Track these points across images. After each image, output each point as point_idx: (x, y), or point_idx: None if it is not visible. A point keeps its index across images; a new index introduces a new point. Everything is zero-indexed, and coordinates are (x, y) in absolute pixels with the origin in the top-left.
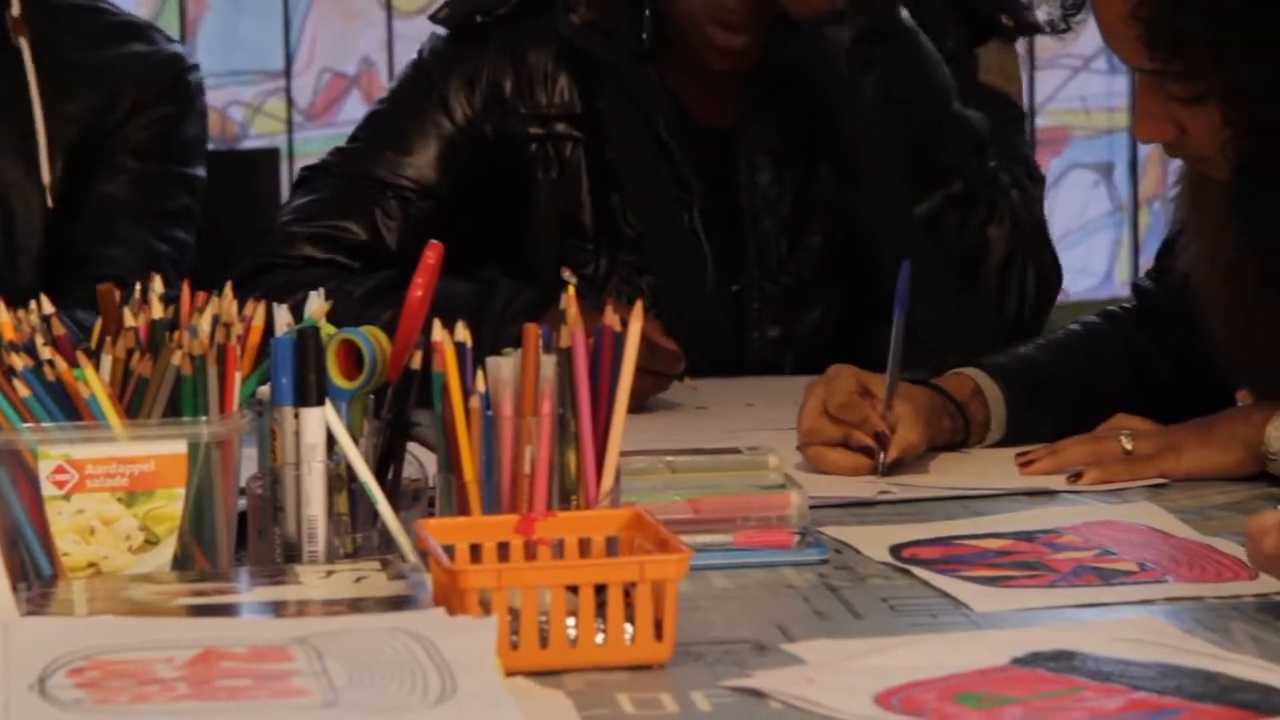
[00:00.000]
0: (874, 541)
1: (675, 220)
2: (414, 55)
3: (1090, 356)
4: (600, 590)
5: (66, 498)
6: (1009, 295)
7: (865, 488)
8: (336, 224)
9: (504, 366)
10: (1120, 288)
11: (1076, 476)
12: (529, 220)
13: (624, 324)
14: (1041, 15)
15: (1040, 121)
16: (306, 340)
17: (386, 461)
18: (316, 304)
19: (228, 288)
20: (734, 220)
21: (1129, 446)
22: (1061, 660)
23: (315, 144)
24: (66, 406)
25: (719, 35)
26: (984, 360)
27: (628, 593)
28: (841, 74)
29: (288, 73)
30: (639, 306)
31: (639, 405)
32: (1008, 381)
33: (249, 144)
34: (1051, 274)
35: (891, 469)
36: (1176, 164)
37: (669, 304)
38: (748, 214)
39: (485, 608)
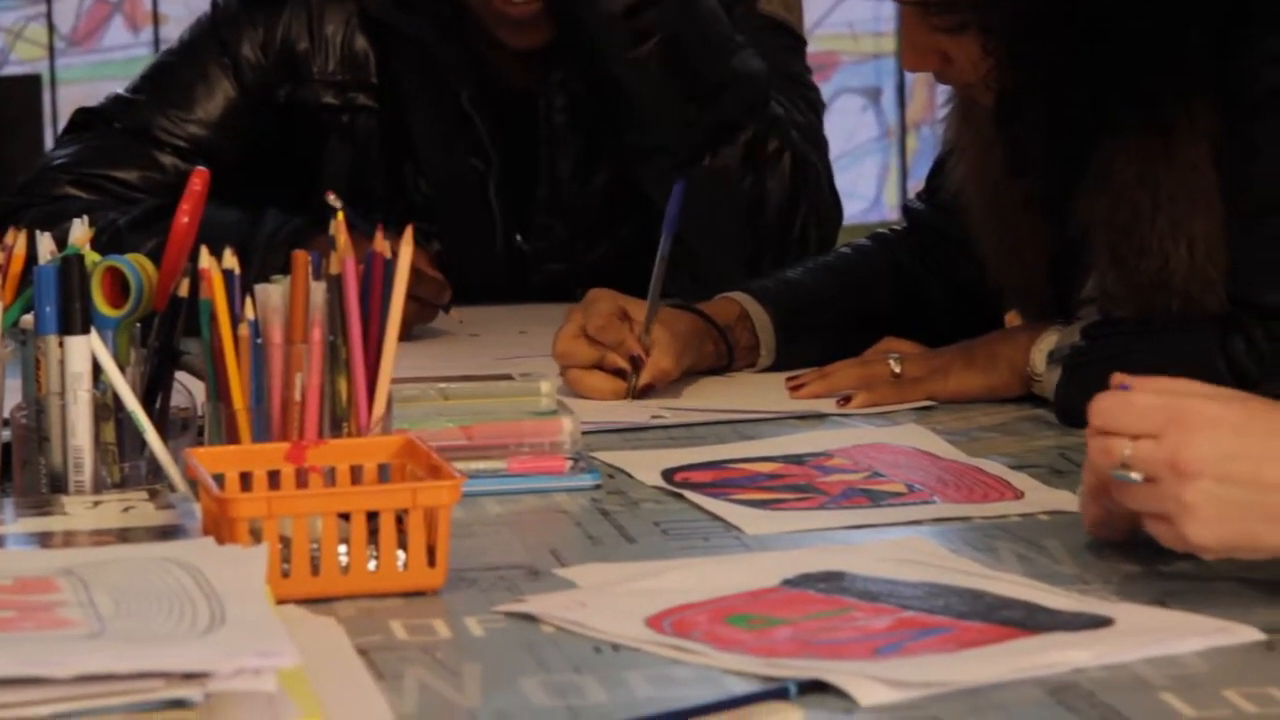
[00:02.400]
0: (646, 466)
1: (467, 184)
2: (207, 7)
3: (859, 280)
4: (372, 517)
5: None
6: (791, 238)
7: (638, 412)
8: (107, 173)
9: (273, 293)
10: (889, 211)
11: (846, 400)
12: (316, 186)
13: (394, 251)
14: None
15: (809, 47)
16: (71, 267)
17: (154, 390)
18: (80, 232)
19: None
20: (529, 172)
21: (897, 369)
22: (831, 581)
23: (78, 70)
24: None
25: (503, 6)
26: (751, 285)
27: (400, 520)
28: (618, 42)
29: None
30: (409, 233)
31: (405, 333)
32: (776, 306)
33: (10, 70)
34: (833, 215)
35: (646, 393)
36: (945, 87)
37: (457, 263)
38: (544, 160)
39: (256, 536)
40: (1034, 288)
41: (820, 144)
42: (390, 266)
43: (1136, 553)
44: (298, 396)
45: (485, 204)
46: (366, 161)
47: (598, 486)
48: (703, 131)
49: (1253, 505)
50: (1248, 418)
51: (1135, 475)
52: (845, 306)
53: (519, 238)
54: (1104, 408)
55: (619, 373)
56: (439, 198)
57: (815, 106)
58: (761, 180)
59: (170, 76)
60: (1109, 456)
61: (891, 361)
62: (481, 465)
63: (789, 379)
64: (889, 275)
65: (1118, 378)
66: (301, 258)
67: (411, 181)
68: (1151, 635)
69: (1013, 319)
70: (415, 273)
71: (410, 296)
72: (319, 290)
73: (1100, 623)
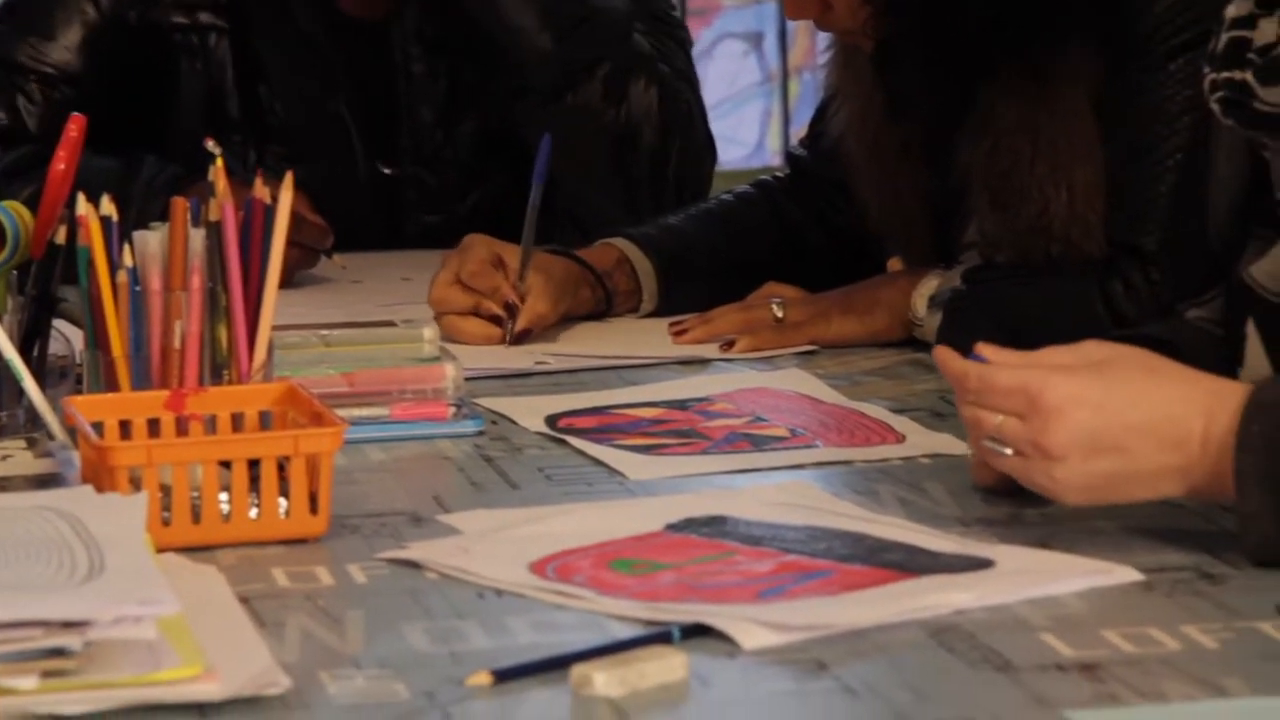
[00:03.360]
0: (530, 412)
1: (323, 111)
2: None
3: (742, 226)
4: (254, 465)
5: None
6: (666, 179)
7: (521, 359)
8: None
9: (151, 240)
10: (772, 157)
11: (729, 345)
12: (174, 110)
13: (274, 197)
14: None
15: None
16: None
17: (32, 338)
18: None
19: None
20: (389, 110)
21: (779, 314)
22: (714, 525)
23: None
24: None
25: None
26: (631, 231)
27: (282, 467)
28: None
29: None
30: (289, 178)
31: (287, 280)
32: (657, 252)
33: None
34: (707, 155)
35: (523, 338)
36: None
37: (321, 194)
38: (403, 104)
39: (135, 484)
40: (915, 234)
41: (691, 81)
42: (270, 213)
43: (1017, 495)
44: (177, 344)
45: (343, 131)
46: (222, 85)
47: (481, 433)
48: (561, 67)
49: (1120, 472)
50: (1106, 391)
51: (1006, 450)
52: (728, 253)
53: (382, 165)
54: (970, 384)
55: (496, 319)
56: (295, 123)
57: (683, 45)
58: (628, 115)
59: (29, 6)
60: (979, 428)
61: (774, 306)
62: (364, 412)
63: (672, 324)
64: (772, 222)
65: (978, 347)
66: (180, 204)
67: (267, 105)
68: (1032, 577)
69: (895, 265)
70: (296, 218)
71: (292, 242)
72: (198, 237)
73: (981, 565)
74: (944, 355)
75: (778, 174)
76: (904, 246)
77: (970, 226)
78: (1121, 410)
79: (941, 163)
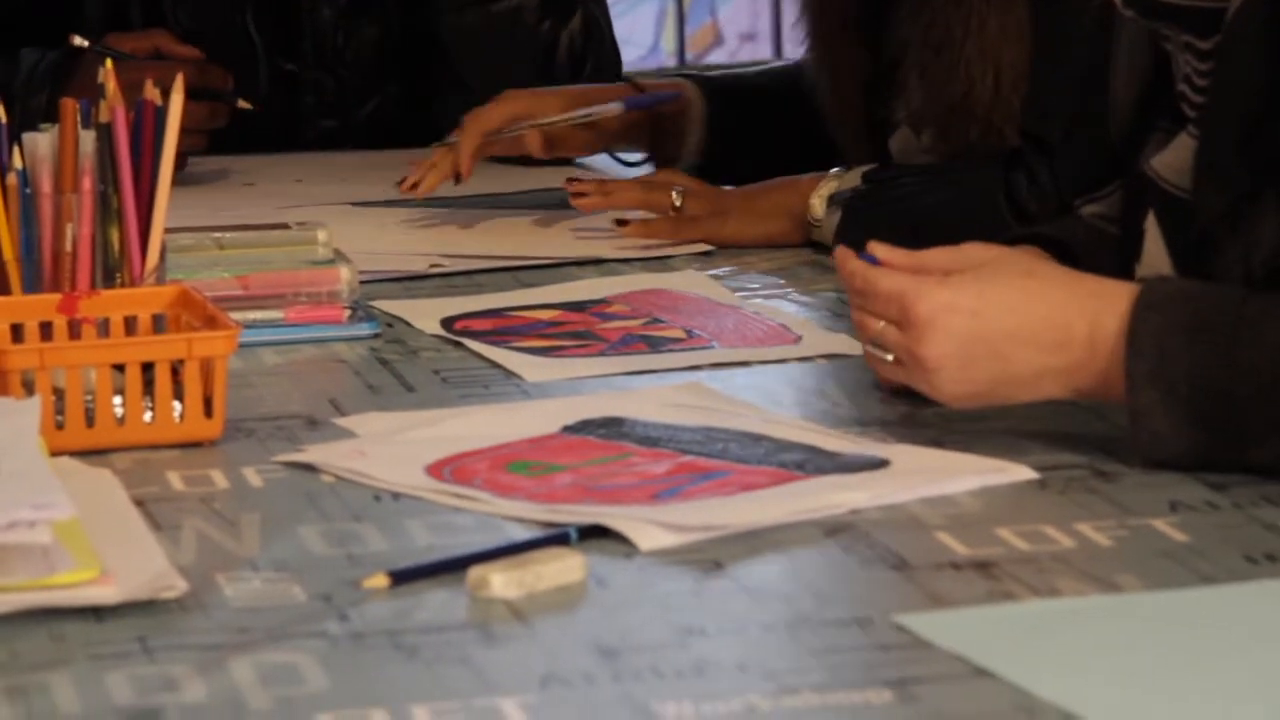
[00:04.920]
0: (425, 314)
1: (228, 19)
2: None
3: (784, 101)
4: (147, 368)
5: None
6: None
7: (416, 261)
8: None
9: (41, 142)
10: (667, 58)
11: (622, 223)
12: (78, 23)
13: (165, 96)
14: None
15: None
16: None
17: None
18: None
19: None
20: (290, 12)
21: (678, 203)
22: (611, 427)
23: None
24: None
25: None
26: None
27: (176, 371)
28: None
29: None
30: (179, 80)
31: (207, 132)
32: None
33: None
34: (616, 68)
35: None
36: None
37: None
38: (305, 4)
39: (28, 388)
40: (849, 112)
41: None
42: (162, 113)
43: (913, 395)
44: (69, 247)
45: (244, 33)
46: None
47: (376, 335)
48: None
49: (997, 377)
50: (981, 298)
51: (888, 356)
52: (766, 122)
53: (284, 63)
54: (854, 286)
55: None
56: (198, 30)
57: None
58: (553, 25)
59: None
60: (863, 331)
61: (675, 194)
62: (258, 315)
63: (569, 180)
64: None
65: (869, 246)
66: (70, 105)
67: (171, 13)
68: (927, 476)
69: None
70: (195, 66)
71: (199, 95)
72: (89, 139)
73: (877, 464)
74: (842, 254)
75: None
76: (839, 127)
77: (898, 103)
78: (998, 316)
79: (878, 38)
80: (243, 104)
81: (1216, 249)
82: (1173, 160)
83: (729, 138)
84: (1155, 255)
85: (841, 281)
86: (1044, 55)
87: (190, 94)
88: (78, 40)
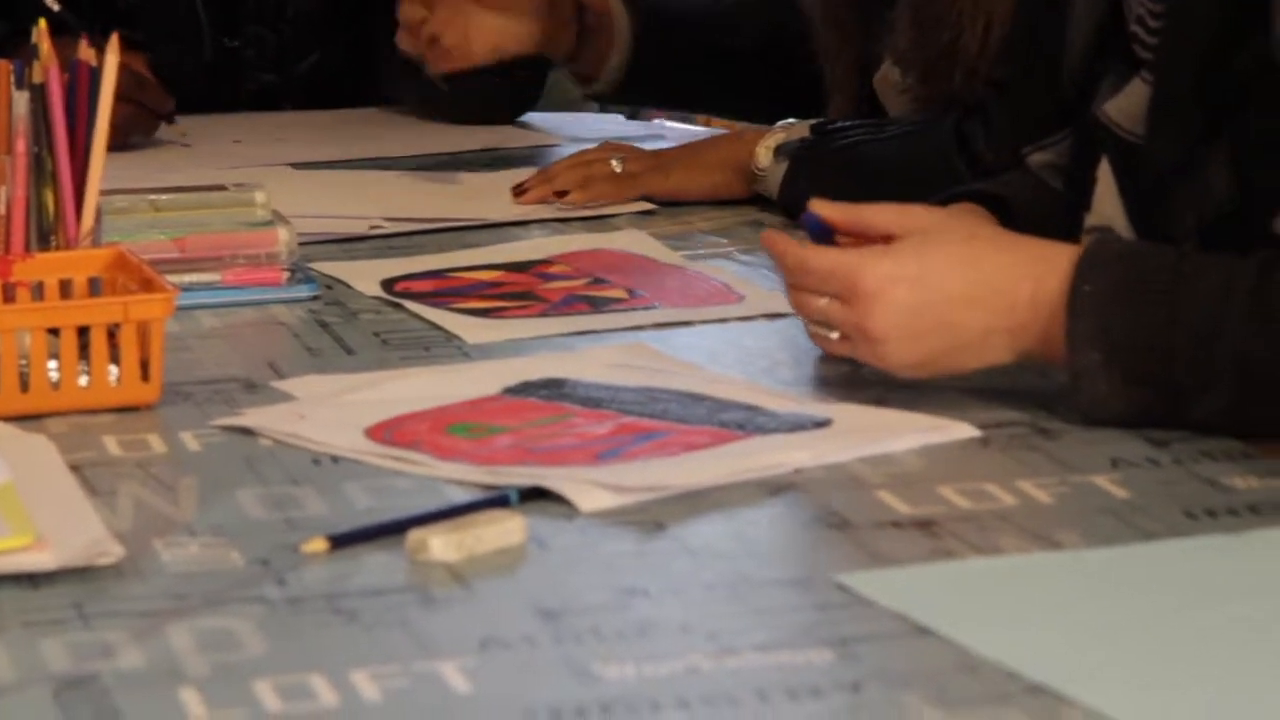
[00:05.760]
0: (365, 276)
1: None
2: None
3: (729, 18)
4: (83, 332)
5: None
6: None
7: (356, 223)
8: None
9: None
10: None
11: (563, 194)
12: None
13: (100, 56)
14: None
15: None
16: None
17: None
18: None
19: None
20: None
21: (618, 169)
22: (552, 388)
23: None
24: None
25: None
26: None
27: (112, 334)
28: None
29: None
30: (114, 40)
31: (122, 140)
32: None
33: None
34: None
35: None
36: None
37: (166, 75)
38: None
39: None
40: (844, 44)
41: None
42: (96, 75)
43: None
44: (2, 209)
45: (190, 10)
46: None
47: (315, 298)
48: None
49: (946, 345)
50: (924, 265)
51: (832, 334)
52: (704, 42)
53: (228, 41)
54: (787, 265)
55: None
56: (142, 4)
57: None
58: None
59: None
60: (803, 310)
61: (613, 161)
62: (195, 278)
63: (514, 186)
64: (762, 16)
65: (811, 204)
66: (3, 66)
67: None
68: (869, 435)
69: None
70: (137, 78)
71: (131, 100)
72: (22, 100)
73: (818, 424)
74: (769, 238)
75: None
76: (831, 59)
77: (887, 40)
78: (942, 283)
79: None
80: (179, 129)
81: (1169, 196)
82: (1126, 105)
83: (653, 65)
84: (1107, 203)
85: (774, 263)
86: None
87: (128, 101)
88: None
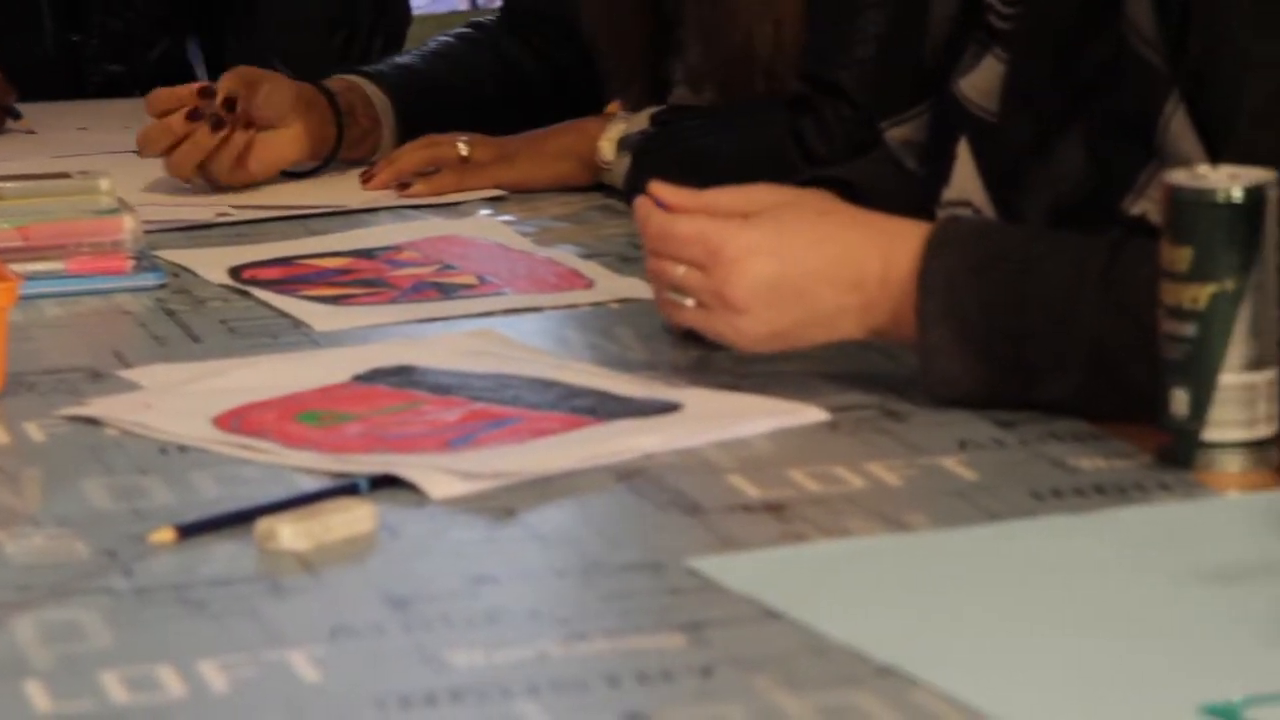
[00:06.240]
0: (212, 264)
1: None
2: None
3: (468, 65)
4: None
5: None
6: (377, 27)
7: (203, 211)
8: None
9: None
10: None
11: (404, 187)
12: None
13: None
14: None
15: None
16: None
17: None
18: None
19: None
20: None
21: (465, 153)
22: (402, 375)
23: None
24: None
25: None
26: (364, 69)
27: None
28: None
29: None
30: None
31: None
32: (393, 87)
33: None
34: (403, 24)
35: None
36: None
37: (8, 66)
38: None
39: None
40: (631, 67)
41: None
42: None
43: (705, 340)
44: None
45: (33, 5)
46: None
47: (162, 286)
48: None
49: (799, 319)
50: (783, 238)
51: (689, 301)
52: (460, 92)
53: (73, 36)
54: (649, 231)
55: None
56: None
57: None
58: None
59: None
60: (661, 277)
61: (460, 145)
62: (39, 266)
63: (361, 172)
64: (496, 61)
65: (652, 188)
66: None
67: None
68: (719, 419)
69: (615, 107)
70: None
71: None
72: None
73: (669, 408)
74: (640, 202)
75: (489, 17)
76: (621, 81)
77: (676, 62)
78: (800, 257)
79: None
80: (25, 124)
81: (1025, 176)
82: (979, 82)
83: (424, 129)
84: (966, 180)
85: (637, 228)
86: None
87: None
88: None
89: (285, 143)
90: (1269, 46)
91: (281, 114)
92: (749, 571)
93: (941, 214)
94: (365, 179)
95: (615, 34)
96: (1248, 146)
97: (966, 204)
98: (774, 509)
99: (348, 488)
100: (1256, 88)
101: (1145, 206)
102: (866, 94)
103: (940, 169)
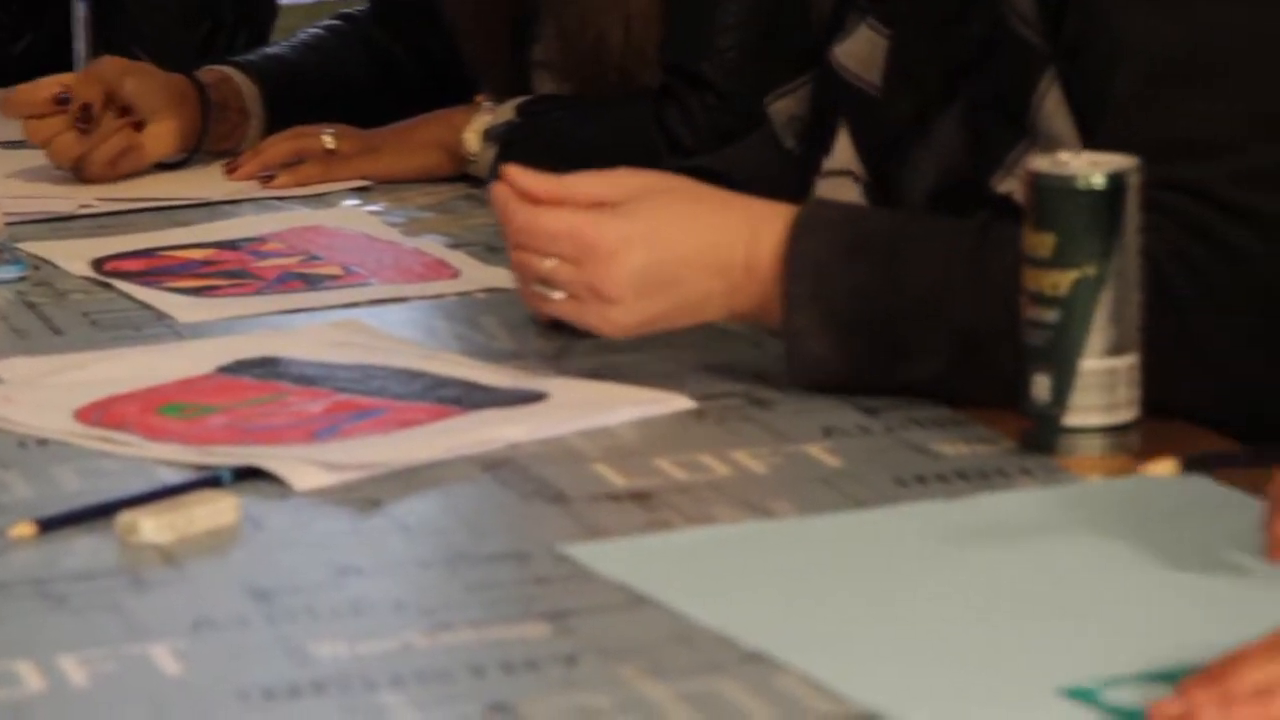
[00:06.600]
0: (74, 256)
1: None
2: None
3: (338, 57)
4: None
5: None
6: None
7: (64, 203)
8: None
9: None
10: None
11: (268, 179)
12: None
13: None
14: None
15: None
16: None
17: None
18: None
19: None
20: None
21: (331, 144)
22: (266, 367)
23: None
24: None
25: None
26: (234, 59)
27: None
28: None
29: None
30: None
31: None
32: (262, 77)
33: None
34: (270, 14)
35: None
36: None
37: None
38: None
39: None
40: (494, 57)
41: None
42: None
43: (572, 327)
44: None
45: None
46: None
47: (23, 278)
48: None
49: (670, 306)
50: (654, 225)
51: (557, 294)
52: (330, 83)
53: None
54: (514, 224)
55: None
56: None
57: None
58: None
59: None
60: (527, 270)
61: (326, 136)
62: None
63: (226, 163)
64: (365, 53)
65: (509, 172)
66: None
67: None
68: (585, 408)
69: (483, 99)
70: None
71: None
72: None
73: (535, 398)
74: (498, 194)
75: (359, 8)
76: (485, 72)
77: (538, 50)
78: (671, 243)
79: None
80: None
81: (907, 153)
82: (855, 49)
83: (293, 120)
84: (843, 152)
85: (498, 220)
86: None
87: None
88: None
89: (159, 137)
90: (1144, 29)
91: (154, 108)
92: (616, 559)
93: (822, 183)
94: (230, 170)
95: (476, 24)
96: (1123, 129)
97: (848, 173)
98: (640, 497)
99: (210, 480)
100: (1131, 70)
101: (1012, 185)
102: (730, 83)
103: (822, 138)
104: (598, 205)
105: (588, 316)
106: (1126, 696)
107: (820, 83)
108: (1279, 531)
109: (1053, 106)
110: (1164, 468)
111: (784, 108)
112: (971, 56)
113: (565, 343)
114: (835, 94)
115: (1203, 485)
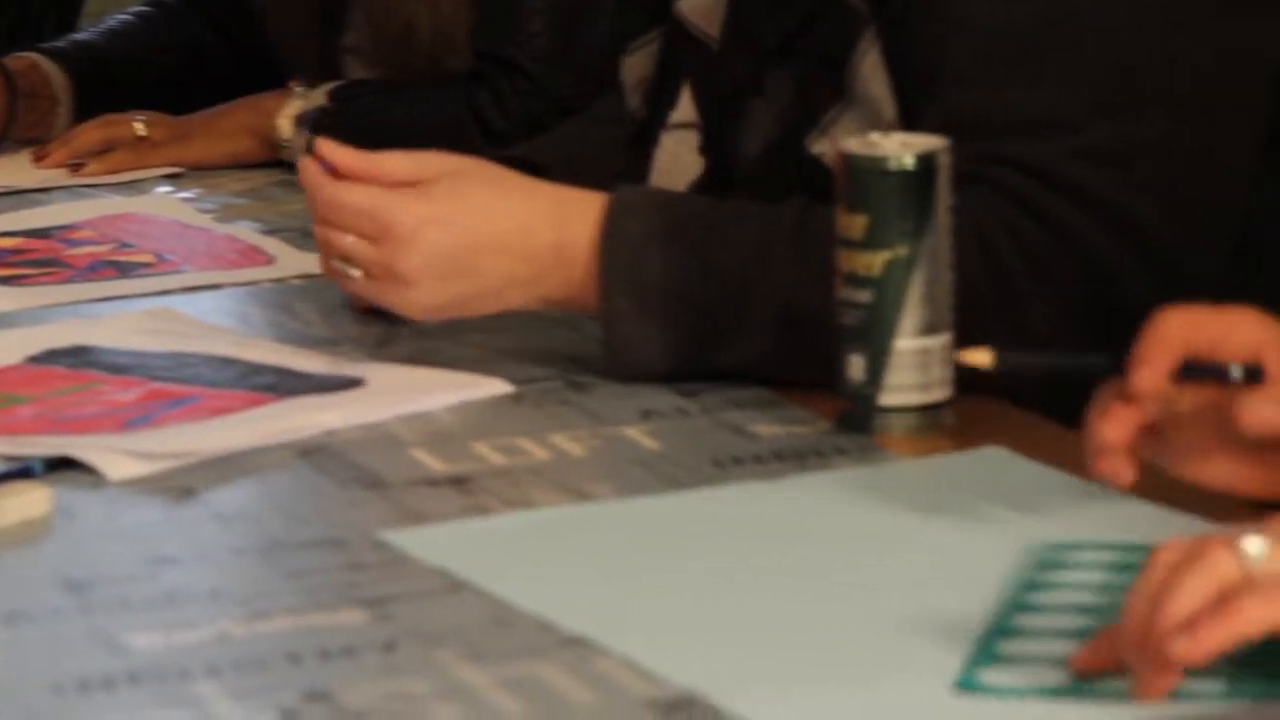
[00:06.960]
0: None
1: None
2: None
3: (148, 42)
4: None
5: None
6: (27, 26)
7: None
8: None
9: None
10: None
11: (77, 168)
12: None
13: None
14: None
15: None
16: None
17: None
18: None
19: None
20: None
21: (142, 131)
22: (78, 356)
23: None
24: None
25: None
26: (41, 46)
27: None
28: None
29: None
30: None
31: None
32: (70, 63)
33: None
34: None
35: None
36: None
37: None
38: None
39: None
40: (305, 44)
41: None
42: None
43: (388, 314)
44: None
45: None
46: None
47: None
48: None
49: (470, 291)
50: (455, 209)
51: (355, 272)
52: (140, 68)
53: None
54: (319, 198)
55: None
56: None
57: None
58: None
59: None
60: (329, 246)
61: (137, 124)
62: None
63: (35, 150)
64: (175, 37)
65: (319, 147)
66: None
67: None
68: (403, 394)
69: (297, 84)
70: None
71: None
72: None
73: (352, 384)
74: (305, 167)
75: None
76: (292, 57)
77: (348, 36)
78: (473, 228)
79: None
80: None
81: (742, 108)
82: (697, 3)
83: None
84: (687, 105)
85: (306, 194)
86: None
87: None
88: None
89: None
90: (979, 3)
91: None
92: (434, 544)
93: (666, 136)
94: (39, 158)
95: (285, 10)
96: (955, 104)
97: (691, 125)
98: (458, 482)
99: (21, 471)
100: (964, 44)
101: (825, 146)
102: (540, 67)
103: (668, 92)
104: (404, 185)
105: (386, 296)
106: (948, 663)
107: (668, 37)
108: (1101, 438)
109: (869, 69)
110: (981, 358)
111: (635, 66)
112: (805, 15)
113: (383, 329)
114: (679, 47)
115: (1016, 462)
